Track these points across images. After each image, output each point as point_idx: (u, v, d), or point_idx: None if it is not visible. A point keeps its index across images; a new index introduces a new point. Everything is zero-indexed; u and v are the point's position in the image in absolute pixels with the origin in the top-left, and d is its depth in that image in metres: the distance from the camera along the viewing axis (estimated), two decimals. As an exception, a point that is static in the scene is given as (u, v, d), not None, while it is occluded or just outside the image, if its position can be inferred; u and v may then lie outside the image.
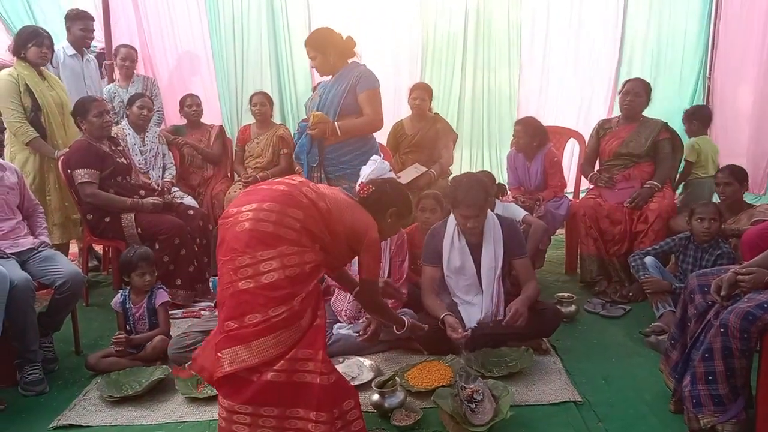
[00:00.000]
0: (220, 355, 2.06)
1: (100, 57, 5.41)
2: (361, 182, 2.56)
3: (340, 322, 3.29)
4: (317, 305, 2.18)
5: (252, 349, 2.03)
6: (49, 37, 4.12)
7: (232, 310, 2.08)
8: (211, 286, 3.74)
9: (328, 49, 3.54)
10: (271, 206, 2.16)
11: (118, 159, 3.91)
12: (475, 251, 3.16)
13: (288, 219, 2.15)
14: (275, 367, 2.03)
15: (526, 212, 4.09)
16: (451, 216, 3.24)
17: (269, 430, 2.06)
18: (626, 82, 4.33)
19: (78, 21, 4.62)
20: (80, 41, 4.66)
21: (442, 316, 3.01)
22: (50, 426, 2.61)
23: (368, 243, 2.40)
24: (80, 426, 2.60)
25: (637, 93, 4.20)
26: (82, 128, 3.85)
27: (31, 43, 4.00)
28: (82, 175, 3.75)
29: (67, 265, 3.15)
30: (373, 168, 2.73)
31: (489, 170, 5.32)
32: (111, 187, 3.85)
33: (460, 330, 2.92)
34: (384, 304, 2.83)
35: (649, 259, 3.54)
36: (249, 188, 2.42)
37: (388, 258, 3.33)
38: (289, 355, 2.05)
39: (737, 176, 3.77)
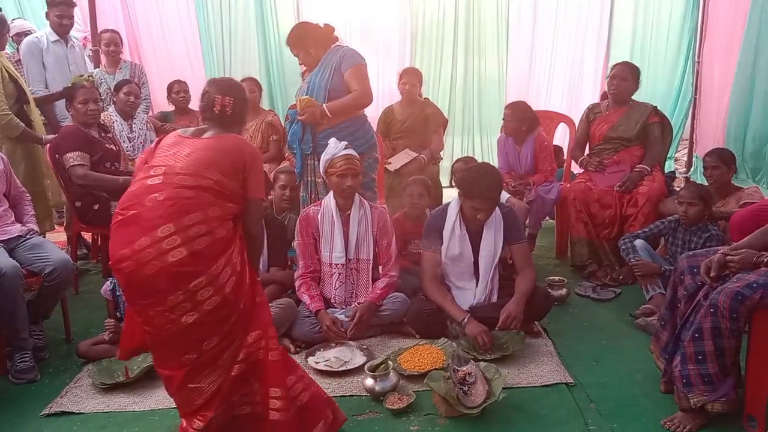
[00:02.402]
0: (192, 386, 2.06)
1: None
2: (218, 97, 2.26)
3: (333, 307, 3.29)
4: (254, 290, 2.16)
5: (225, 365, 2.07)
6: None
7: (184, 344, 2.04)
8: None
9: (307, 43, 3.53)
10: (166, 229, 1.97)
11: (107, 145, 3.87)
12: (475, 239, 3.17)
13: (192, 230, 1.99)
14: (238, 359, 2.09)
15: (509, 194, 4.09)
16: (452, 203, 3.23)
17: (235, 410, 2.14)
18: (614, 66, 4.33)
19: (54, 7, 4.52)
20: (58, 27, 4.57)
21: (463, 320, 3.01)
22: (42, 414, 2.60)
23: (251, 161, 2.18)
24: (72, 413, 2.59)
25: (623, 77, 4.20)
26: (70, 113, 3.81)
27: (5, 29, 3.89)
28: (73, 158, 3.68)
29: (56, 252, 3.11)
30: (330, 149, 3.18)
31: (479, 155, 5.33)
32: (100, 173, 3.81)
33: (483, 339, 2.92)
34: (257, 236, 2.35)
35: (638, 242, 3.56)
36: (119, 220, 2.05)
37: (372, 240, 3.34)
38: (246, 342, 2.10)
39: (724, 160, 3.79)
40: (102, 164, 3.83)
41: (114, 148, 3.94)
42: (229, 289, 2.03)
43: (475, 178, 3.07)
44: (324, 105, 3.44)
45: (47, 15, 4.56)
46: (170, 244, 1.96)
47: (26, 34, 4.95)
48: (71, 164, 3.70)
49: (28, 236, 3.16)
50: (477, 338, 2.92)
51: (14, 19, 5.15)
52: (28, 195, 3.45)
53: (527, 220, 4.23)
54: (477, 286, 3.17)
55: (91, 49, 5.39)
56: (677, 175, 5.47)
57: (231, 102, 2.27)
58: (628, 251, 3.57)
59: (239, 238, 2.15)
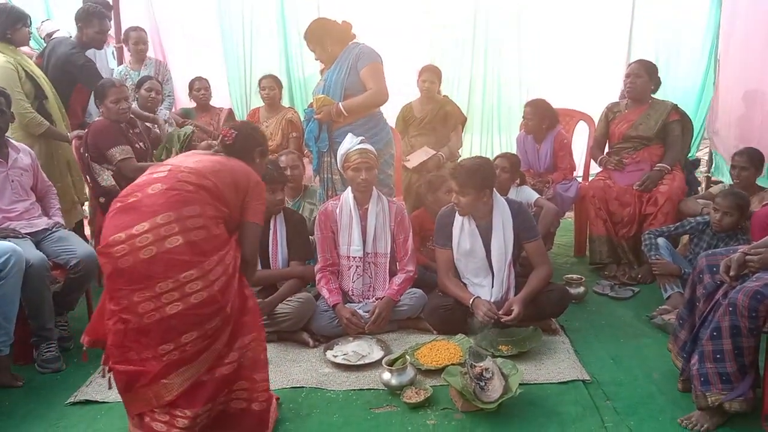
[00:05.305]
0: (165, 381, 2.05)
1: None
2: (223, 128, 2.52)
3: (351, 301, 3.33)
4: (243, 293, 2.22)
5: (199, 365, 2.08)
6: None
7: (163, 334, 2.03)
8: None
9: (324, 40, 3.55)
10: (167, 217, 2.04)
11: (135, 144, 3.84)
12: (485, 235, 3.17)
13: (189, 221, 2.06)
14: (227, 361, 2.13)
15: (539, 195, 4.08)
16: None
17: (220, 405, 2.19)
18: (630, 64, 4.30)
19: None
20: None
21: (471, 300, 3.06)
22: (67, 402, 2.67)
23: (253, 187, 2.31)
24: (96, 402, 2.66)
25: (637, 74, 4.15)
26: (101, 111, 3.83)
27: (20, 24, 3.82)
28: (119, 152, 3.68)
29: (81, 245, 3.19)
30: (346, 143, 3.27)
31: (499, 152, 5.29)
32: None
33: (489, 312, 2.98)
34: (251, 261, 2.37)
35: (661, 241, 3.52)
36: (118, 207, 2.14)
37: (390, 235, 3.36)
38: (237, 344, 2.15)
39: (754, 161, 3.74)
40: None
41: (142, 146, 3.91)
42: (217, 288, 2.07)
43: (462, 162, 3.14)
44: (339, 103, 3.47)
45: None
46: (168, 231, 2.03)
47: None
48: (120, 159, 3.67)
49: (54, 229, 3.24)
50: (484, 315, 2.97)
51: (44, 21, 5.26)
52: (54, 188, 3.51)
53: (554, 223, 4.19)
54: (493, 284, 3.17)
55: (114, 46, 5.46)
56: (699, 174, 5.41)
57: (233, 134, 2.42)
58: (650, 247, 3.52)
59: (235, 247, 2.21)
